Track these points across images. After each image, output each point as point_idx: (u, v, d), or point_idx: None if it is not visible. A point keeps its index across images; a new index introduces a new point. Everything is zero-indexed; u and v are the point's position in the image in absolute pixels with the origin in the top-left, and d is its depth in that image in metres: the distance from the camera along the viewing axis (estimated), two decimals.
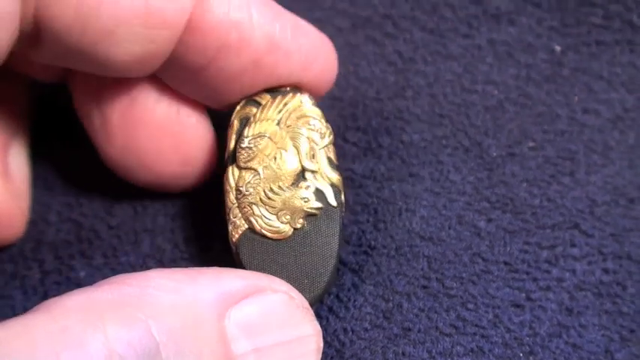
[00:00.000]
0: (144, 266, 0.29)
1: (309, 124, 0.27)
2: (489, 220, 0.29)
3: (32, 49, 0.25)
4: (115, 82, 0.27)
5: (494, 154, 0.30)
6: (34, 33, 0.24)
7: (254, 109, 0.27)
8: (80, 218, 0.30)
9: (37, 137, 0.31)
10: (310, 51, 0.27)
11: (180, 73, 0.26)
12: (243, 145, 0.26)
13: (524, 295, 0.28)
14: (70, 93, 0.29)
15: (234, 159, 0.27)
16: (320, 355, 0.24)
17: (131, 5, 0.23)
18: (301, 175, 0.26)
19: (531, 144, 0.31)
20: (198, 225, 0.30)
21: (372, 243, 0.29)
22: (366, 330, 0.28)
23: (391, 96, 0.32)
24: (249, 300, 0.22)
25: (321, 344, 0.24)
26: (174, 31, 0.25)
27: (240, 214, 0.26)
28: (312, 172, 0.26)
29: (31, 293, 0.29)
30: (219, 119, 0.29)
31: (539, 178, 0.30)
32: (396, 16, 0.33)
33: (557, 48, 0.32)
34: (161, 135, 0.28)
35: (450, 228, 0.29)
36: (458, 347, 0.27)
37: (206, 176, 0.29)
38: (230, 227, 0.26)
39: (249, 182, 0.26)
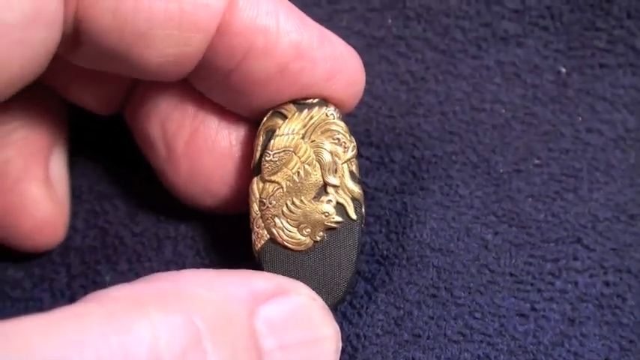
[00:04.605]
0: None
1: (333, 138, 0.27)
2: (496, 233, 0.30)
3: (73, 52, 0.26)
4: (176, 112, 0.28)
5: (501, 170, 0.32)
6: (74, 35, 0.25)
7: (280, 122, 0.27)
8: (105, 225, 0.32)
9: None
10: (336, 61, 0.27)
11: (209, 78, 0.27)
12: (267, 159, 0.27)
13: (528, 305, 0.29)
14: (129, 125, 0.30)
15: (259, 170, 0.27)
16: (339, 355, 0.25)
17: (166, 9, 0.24)
18: (323, 189, 0.27)
19: (537, 161, 0.32)
20: (219, 233, 0.31)
21: (385, 253, 0.30)
22: (377, 336, 0.29)
23: (403, 113, 0.33)
24: (275, 300, 0.24)
25: (340, 345, 0.25)
26: (206, 35, 0.25)
27: (263, 225, 0.27)
28: (334, 186, 0.27)
29: (58, 296, 0.30)
30: None
31: (543, 194, 0.31)
32: (409, 37, 0.34)
33: (563, 70, 0.33)
34: (224, 161, 0.29)
35: (458, 240, 0.30)
36: (465, 354, 0.28)
37: None
38: (253, 237, 0.27)
39: (272, 195, 0.27)
